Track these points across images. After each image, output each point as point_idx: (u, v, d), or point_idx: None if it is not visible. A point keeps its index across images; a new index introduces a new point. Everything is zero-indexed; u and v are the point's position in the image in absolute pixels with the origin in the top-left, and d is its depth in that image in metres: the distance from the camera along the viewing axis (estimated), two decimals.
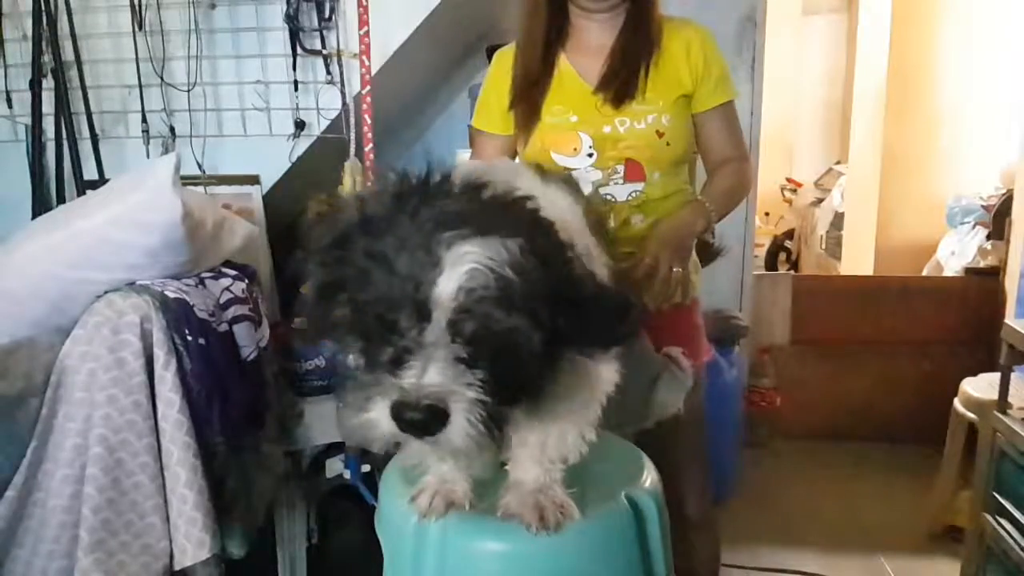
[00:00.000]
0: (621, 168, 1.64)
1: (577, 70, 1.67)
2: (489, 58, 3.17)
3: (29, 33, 2.38)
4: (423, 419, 0.78)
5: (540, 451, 1.08)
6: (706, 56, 1.65)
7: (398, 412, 0.79)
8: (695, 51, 1.65)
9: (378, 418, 0.81)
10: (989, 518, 2.09)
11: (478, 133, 1.81)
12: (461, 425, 0.79)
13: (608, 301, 0.91)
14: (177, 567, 1.57)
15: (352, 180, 2.41)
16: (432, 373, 0.79)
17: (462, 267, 0.79)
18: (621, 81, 1.62)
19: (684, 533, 1.82)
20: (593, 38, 1.67)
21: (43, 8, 2.33)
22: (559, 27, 1.68)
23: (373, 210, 0.88)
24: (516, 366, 0.83)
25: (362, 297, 0.85)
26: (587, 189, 1.59)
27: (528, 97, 1.67)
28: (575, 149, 1.64)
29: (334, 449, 2.16)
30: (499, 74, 1.74)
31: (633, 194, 1.65)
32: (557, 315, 0.84)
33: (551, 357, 0.89)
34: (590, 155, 1.64)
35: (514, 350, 0.82)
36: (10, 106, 2.53)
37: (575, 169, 1.64)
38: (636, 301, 0.92)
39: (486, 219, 0.83)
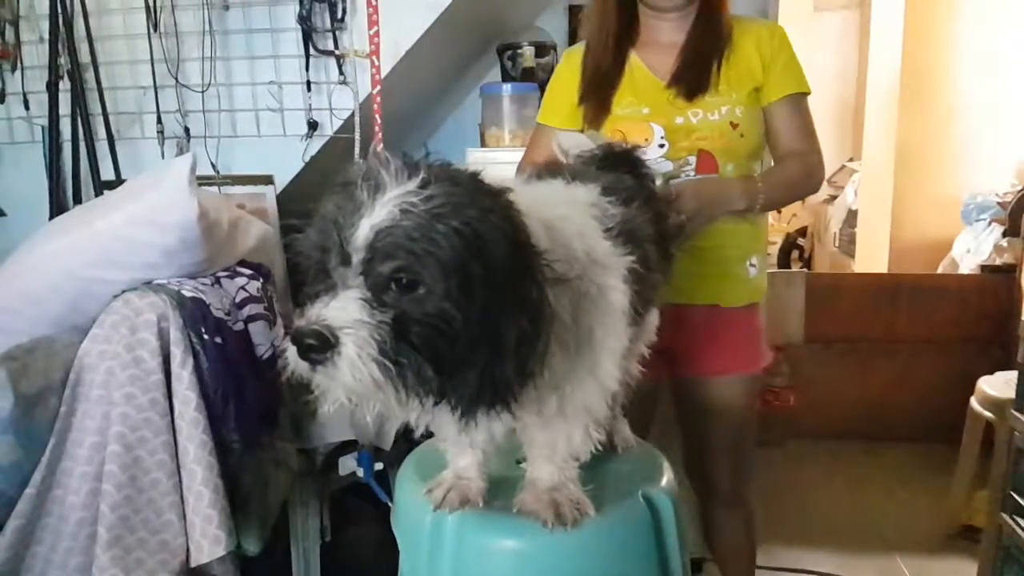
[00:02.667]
0: (692, 159, 1.65)
1: (648, 66, 1.69)
2: (500, 57, 3.21)
3: (46, 36, 2.41)
4: (312, 344, 0.80)
5: (550, 450, 1.08)
6: (775, 48, 1.66)
7: (294, 337, 0.82)
8: (765, 43, 1.66)
9: (290, 352, 0.83)
10: (1006, 518, 2.08)
11: (542, 128, 1.82)
12: (350, 358, 0.80)
13: (514, 311, 0.85)
14: (193, 564, 1.58)
15: None
16: (333, 306, 0.81)
17: (381, 210, 0.81)
18: (694, 76, 1.64)
19: (714, 508, 1.87)
20: (663, 36, 1.69)
21: (60, 11, 2.35)
22: (629, 26, 1.70)
23: (344, 179, 0.90)
24: (423, 322, 0.82)
25: (306, 244, 0.89)
26: (657, 181, 1.58)
27: (598, 93, 1.69)
28: (646, 140, 1.65)
29: (347, 447, 2.17)
30: (568, 71, 1.76)
31: None
32: (481, 291, 0.82)
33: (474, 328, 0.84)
34: (661, 146, 1.65)
35: (420, 303, 0.82)
36: (27, 108, 2.56)
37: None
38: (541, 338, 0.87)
39: (432, 172, 0.85)
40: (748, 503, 1.91)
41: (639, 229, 1.17)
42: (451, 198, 0.83)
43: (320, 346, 0.80)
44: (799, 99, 1.69)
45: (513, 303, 0.85)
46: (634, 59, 1.69)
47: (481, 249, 0.82)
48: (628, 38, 1.70)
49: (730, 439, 1.78)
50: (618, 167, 1.39)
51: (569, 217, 1.03)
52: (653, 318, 1.37)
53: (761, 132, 1.69)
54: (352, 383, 0.81)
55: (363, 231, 0.81)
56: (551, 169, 1.28)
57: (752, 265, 1.72)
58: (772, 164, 1.77)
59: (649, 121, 1.65)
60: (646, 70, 1.68)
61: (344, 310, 0.81)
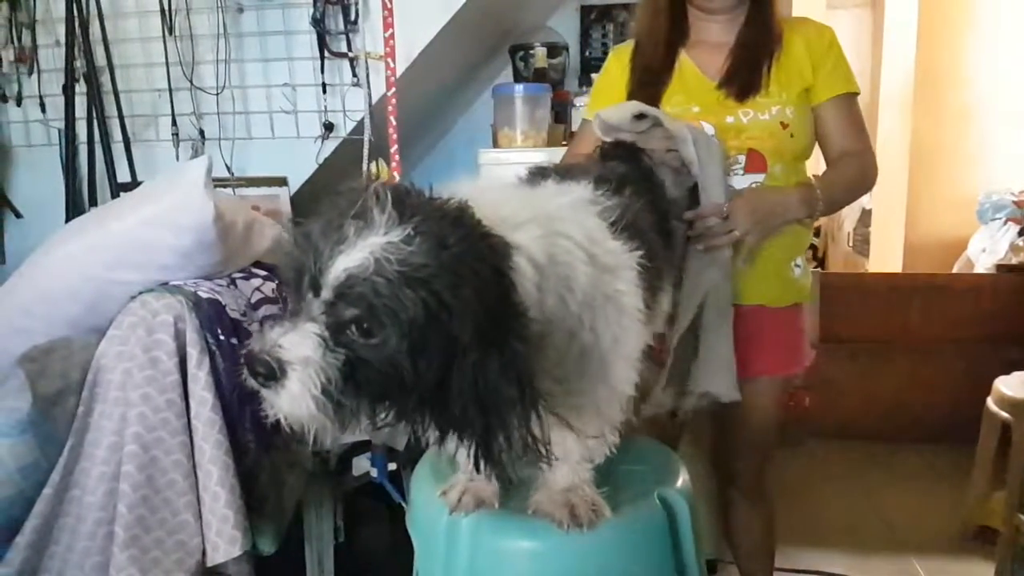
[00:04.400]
0: (742, 158, 1.64)
1: (698, 66, 1.69)
2: (511, 58, 3.21)
3: (62, 39, 2.43)
4: (258, 371, 0.83)
5: (564, 452, 1.08)
6: (824, 48, 1.66)
7: (247, 358, 0.85)
8: (814, 44, 1.66)
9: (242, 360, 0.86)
10: (1023, 519, 2.06)
11: (588, 124, 1.81)
12: (292, 393, 0.83)
13: (493, 382, 0.86)
14: (210, 563, 1.59)
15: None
16: (289, 337, 0.83)
17: (359, 254, 0.81)
18: (744, 77, 1.63)
19: (737, 502, 1.88)
20: (713, 36, 1.69)
21: (76, 14, 2.37)
22: (679, 26, 1.70)
23: (343, 194, 0.91)
24: (374, 370, 0.84)
25: (285, 260, 0.90)
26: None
27: (647, 92, 1.68)
28: None
29: (361, 448, 2.17)
30: (617, 68, 1.76)
31: (753, 185, 1.64)
32: (428, 351, 0.83)
33: (419, 390, 0.86)
34: None
35: (374, 353, 0.83)
36: (44, 110, 2.58)
37: None
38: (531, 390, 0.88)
39: (424, 224, 0.84)
40: (770, 499, 1.92)
41: (640, 217, 1.19)
42: (431, 259, 0.82)
43: (267, 375, 0.83)
44: (850, 99, 1.69)
45: (485, 365, 0.85)
46: (684, 59, 1.70)
47: (445, 320, 0.82)
48: (678, 38, 1.70)
49: (763, 436, 1.78)
50: (620, 159, 1.41)
51: (571, 228, 1.01)
52: (663, 305, 1.37)
53: (811, 132, 1.69)
54: (290, 411, 0.84)
55: (336, 270, 0.82)
56: (542, 172, 1.29)
57: (797, 265, 1.71)
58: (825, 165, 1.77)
59: (699, 120, 1.65)
60: (696, 70, 1.69)
61: (298, 345, 0.83)
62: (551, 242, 0.96)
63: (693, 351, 1.57)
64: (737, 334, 1.61)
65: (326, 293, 0.83)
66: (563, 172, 1.28)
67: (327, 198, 0.93)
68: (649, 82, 1.69)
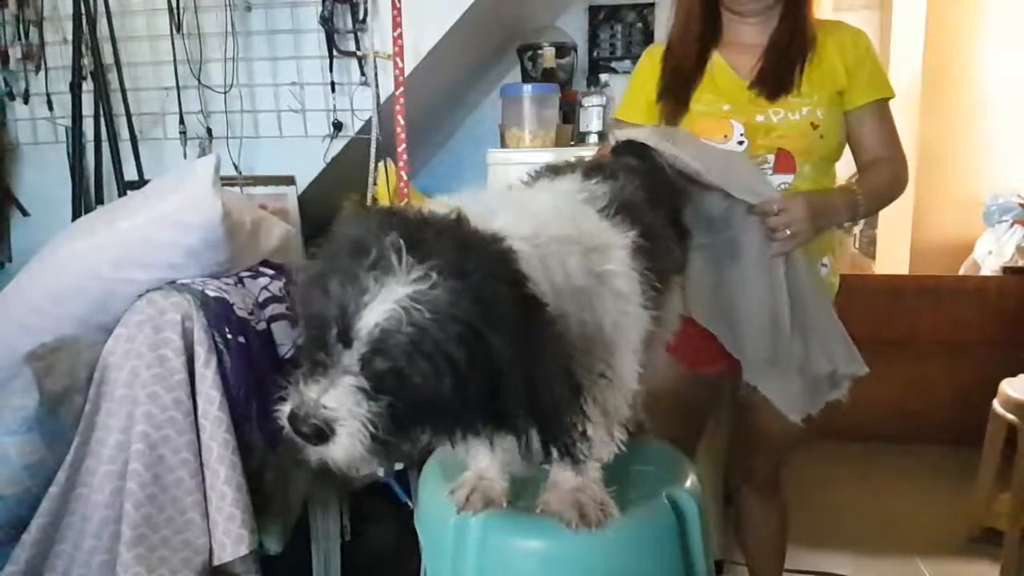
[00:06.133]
0: (771, 158, 1.64)
1: (731, 65, 1.69)
2: (519, 58, 3.21)
3: (69, 37, 2.43)
4: (308, 434, 0.85)
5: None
6: (859, 53, 1.66)
7: (291, 419, 0.86)
8: (849, 48, 1.66)
9: (282, 417, 0.88)
10: None
11: (619, 123, 1.84)
12: (343, 446, 0.84)
13: (549, 392, 0.88)
14: (216, 562, 1.59)
15: (384, 180, 2.43)
16: (331, 396, 0.84)
17: (387, 307, 0.81)
18: (776, 77, 1.64)
19: (751, 499, 1.89)
20: (746, 37, 1.70)
21: (83, 12, 2.37)
22: (712, 27, 1.71)
23: (351, 232, 0.91)
24: (417, 410, 0.86)
25: (308, 308, 0.90)
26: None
27: (677, 91, 1.70)
28: (725, 136, 1.65)
29: None
30: (648, 69, 1.77)
31: (782, 186, 1.64)
32: (472, 386, 0.84)
33: (468, 417, 0.89)
34: (740, 143, 1.65)
35: (416, 397, 0.84)
36: (51, 108, 2.59)
37: None
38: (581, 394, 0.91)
39: (439, 260, 0.84)
40: (784, 498, 1.92)
41: (634, 197, 1.19)
42: (458, 296, 0.82)
43: (317, 437, 0.84)
44: (883, 105, 1.69)
45: (535, 371, 0.87)
46: (716, 58, 1.70)
47: (484, 349, 0.83)
48: (711, 39, 1.71)
49: (784, 435, 1.77)
50: (631, 155, 1.44)
51: (551, 219, 1.02)
52: (677, 300, 1.37)
53: (841, 134, 1.68)
54: (343, 462, 0.86)
55: (367, 325, 0.82)
56: (538, 173, 1.31)
57: (824, 265, 1.71)
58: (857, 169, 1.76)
59: (729, 118, 1.65)
60: (728, 69, 1.69)
61: (342, 401, 0.84)
62: (536, 234, 0.97)
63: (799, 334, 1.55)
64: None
65: (360, 347, 0.83)
66: (555, 169, 1.29)
67: (329, 237, 0.93)
68: (678, 83, 1.70)
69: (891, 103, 1.71)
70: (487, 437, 0.93)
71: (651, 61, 1.78)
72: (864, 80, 1.66)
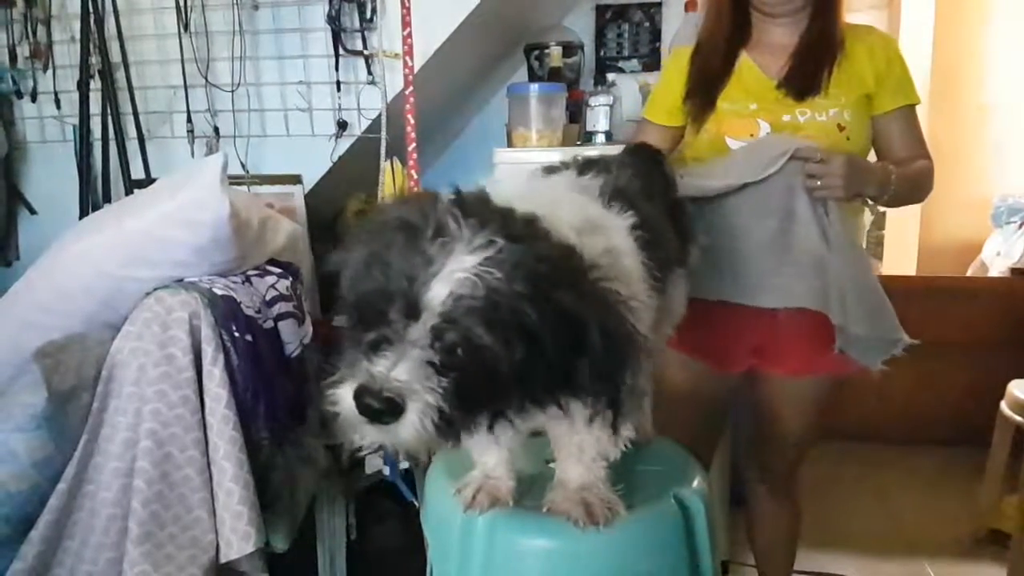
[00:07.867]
0: None
1: (759, 65, 1.70)
2: (526, 57, 3.21)
3: (77, 35, 2.44)
4: (380, 408, 0.81)
5: (579, 450, 1.08)
6: (889, 59, 1.67)
7: (360, 395, 0.82)
8: (878, 53, 1.67)
9: (344, 396, 0.84)
10: None
11: (645, 123, 1.87)
12: (413, 423, 0.81)
13: (613, 347, 0.88)
14: (223, 560, 1.59)
15: (391, 180, 2.42)
16: (402, 368, 0.81)
17: (458, 275, 0.81)
18: (804, 78, 1.65)
19: (764, 497, 1.90)
20: (776, 38, 1.70)
21: (91, 10, 2.38)
22: (741, 28, 1.72)
23: (395, 213, 0.90)
24: (486, 383, 0.84)
25: (361, 287, 0.88)
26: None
27: (705, 91, 1.71)
28: (751, 135, 1.66)
29: None
30: (675, 69, 1.79)
31: None
32: (547, 347, 0.84)
33: (537, 384, 0.88)
34: None
35: (487, 368, 0.83)
36: (58, 107, 2.60)
37: None
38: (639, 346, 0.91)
39: (496, 227, 0.84)
40: (798, 501, 1.92)
41: (628, 186, 1.20)
42: (523, 260, 0.82)
43: (388, 412, 0.81)
44: (911, 111, 1.71)
45: (607, 331, 0.87)
46: (745, 59, 1.71)
47: (558, 311, 0.84)
48: (740, 39, 1.72)
49: (803, 434, 1.78)
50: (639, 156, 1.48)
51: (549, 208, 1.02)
52: (679, 294, 1.36)
53: (867, 138, 1.69)
54: (409, 443, 0.84)
55: (438, 294, 0.81)
56: (530, 175, 1.31)
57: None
58: None
59: (756, 117, 1.66)
60: (757, 70, 1.70)
61: (413, 374, 0.81)
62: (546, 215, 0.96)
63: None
64: (788, 333, 1.62)
65: (429, 318, 0.82)
66: (549, 169, 1.30)
67: (367, 224, 0.92)
68: (706, 83, 1.71)
69: None
70: (549, 404, 0.92)
71: (677, 63, 1.79)
72: (893, 86, 1.67)
